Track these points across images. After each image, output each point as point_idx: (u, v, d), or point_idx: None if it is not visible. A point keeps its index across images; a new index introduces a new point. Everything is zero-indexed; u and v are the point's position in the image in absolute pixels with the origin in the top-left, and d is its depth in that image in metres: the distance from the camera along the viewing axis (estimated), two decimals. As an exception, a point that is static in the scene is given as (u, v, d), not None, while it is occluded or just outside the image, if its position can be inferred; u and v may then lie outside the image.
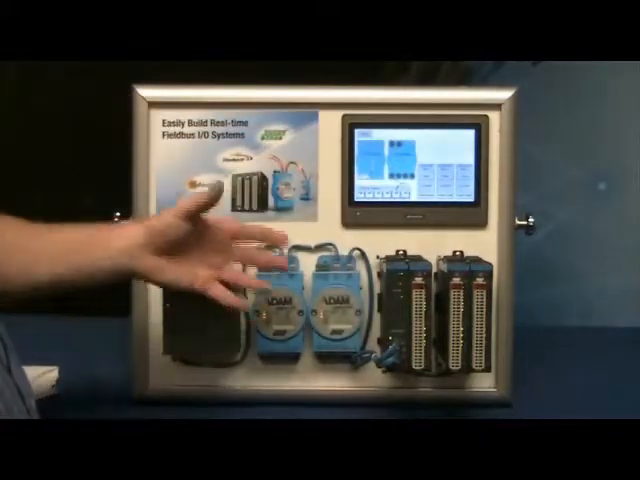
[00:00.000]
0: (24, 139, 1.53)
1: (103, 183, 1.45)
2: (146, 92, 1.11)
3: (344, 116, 1.10)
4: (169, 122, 1.11)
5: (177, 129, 1.11)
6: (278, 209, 1.11)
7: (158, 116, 1.11)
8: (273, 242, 1.05)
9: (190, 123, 1.11)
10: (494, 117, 1.10)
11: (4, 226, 0.95)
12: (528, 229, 1.12)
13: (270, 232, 1.06)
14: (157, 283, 0.99)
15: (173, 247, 0.97)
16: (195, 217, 0.98)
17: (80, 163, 1.51)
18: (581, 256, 1.62)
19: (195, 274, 0.97)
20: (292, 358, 1.11)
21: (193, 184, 1.11)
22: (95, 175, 1.49)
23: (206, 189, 0.99)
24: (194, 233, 0.98)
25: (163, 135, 1.11)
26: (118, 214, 1.12)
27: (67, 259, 0.94)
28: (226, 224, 1.03)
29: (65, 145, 1.52)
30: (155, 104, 1.11)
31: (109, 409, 0.98)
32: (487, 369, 1.03)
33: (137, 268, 0.95)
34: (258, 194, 1.11)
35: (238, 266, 1.06)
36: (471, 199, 1.11)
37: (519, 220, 1.12)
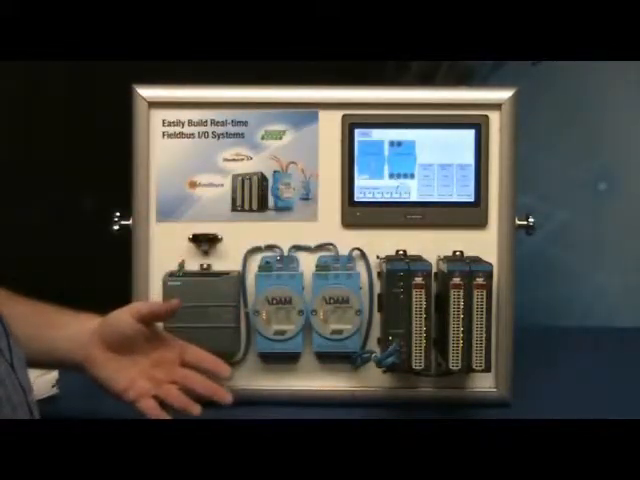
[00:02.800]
0: (24, 139, 1.53)
1: (103, 183, 1.44)
2: (146, 92, 1.11)
3: (344, 116, 1.10)
4: (169, 122, 1.11)
5: (177, 129, 1.11)
6: (278, 209, 1.11)
7: (158, 116, 1.11)
8: (213, 373, 0.99)
9: (190, 123, 1.11)
10: (494, 117, 1.10)
11: None
12: (528, 229, 1.12)
13: (214, 363, 1.00)
14: (94, 377, 0.97)
15: (122, 347, 0.96)
16: (147, 322, 0.97)
17: (80, 163, 1.51)
18: (581, 256, 1.62)
19: (133, 383, 0.96)
20: (292, 358, 1.11)
21: (193, 184, 1.11)
22: (95, 175, 1.49)
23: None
24: (145, 340, 0.97)
25: (163, 135, 1.11)
26: (118, 214, 1.12)
27: (32, 332, 0.94)
28: (177, 343, 1.00)
29: (65, 145, 1.52)
30: (155, 104, 1.11)
31: (109, 409, 0.98)
32: (487, 369, 1.03)
33: (83, 356, 0.96)
34: (258, 194, 1.11)
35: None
36: (471, 199, 1.11)
37: (519, 220, 1.12)
